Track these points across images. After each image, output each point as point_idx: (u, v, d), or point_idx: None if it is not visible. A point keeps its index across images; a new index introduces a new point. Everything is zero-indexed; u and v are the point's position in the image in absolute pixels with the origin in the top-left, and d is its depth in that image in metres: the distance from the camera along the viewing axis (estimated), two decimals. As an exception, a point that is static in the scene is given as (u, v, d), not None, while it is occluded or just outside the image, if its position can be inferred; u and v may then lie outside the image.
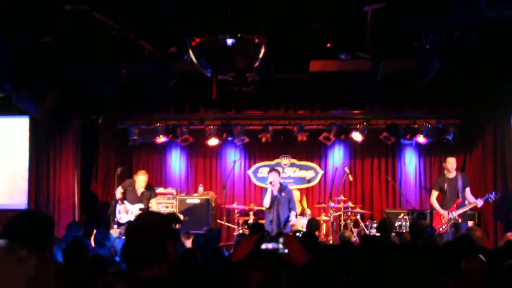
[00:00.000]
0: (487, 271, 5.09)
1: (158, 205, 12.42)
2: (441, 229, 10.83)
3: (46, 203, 12.37)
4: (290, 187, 11.66)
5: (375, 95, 11.37)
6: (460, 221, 10.83)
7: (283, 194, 10.82)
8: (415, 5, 7.68)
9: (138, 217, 3.21)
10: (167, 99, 11.81)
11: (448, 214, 10.84)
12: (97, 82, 9.97)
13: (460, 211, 10.86)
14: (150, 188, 11.56)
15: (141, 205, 11.22)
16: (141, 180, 11.34)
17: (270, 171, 11.12)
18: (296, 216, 11.04)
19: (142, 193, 11.34)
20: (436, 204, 11.07)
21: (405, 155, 13.45)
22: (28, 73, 9.85)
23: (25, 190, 12.41)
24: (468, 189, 11.07)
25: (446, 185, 10.99)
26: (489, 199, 10.94)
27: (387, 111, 11.91)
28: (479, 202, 10.94)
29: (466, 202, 10.96)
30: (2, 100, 10.81)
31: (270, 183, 10.82)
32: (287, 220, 10.68)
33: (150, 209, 11.28)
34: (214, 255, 6.37)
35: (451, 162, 11.07)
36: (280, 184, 11.01)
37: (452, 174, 11.10)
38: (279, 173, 11.08)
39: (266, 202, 10.89)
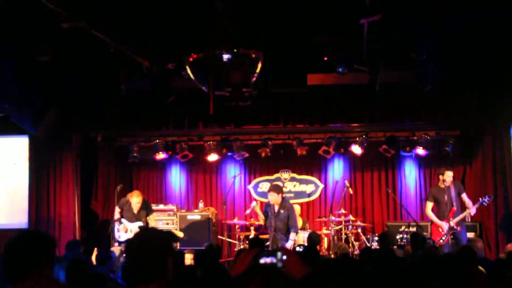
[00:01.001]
0: (489, 283, 5.08)
1: (158, 222, 12.40)
2: (441, 240, 10.75)
3: (46, 221, 12.34)
4: (290, 202, 11.48)
5: (373, 107, 11.37)
6: (458, 229, 10.74)
7: (282, 211, 10.62)
8: (411, 15, 7.71)
9: (138, 235, 3.20)
10: (166, 115, 11.82)
11: (446, 224, 10.77)
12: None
13: (457, 219, 10.79)
14: (146, 206, 11.51)
15: (140, 223, 11.17)
16: (135, 201, 11.27)
17: (269, 190, 10.91)
18: (296, 233, 10.86)
19: (139, 211, 11.30)
20: (432, 216, 10.99)
21: (405, 167, 13.42)
22: (28, 93, 9.88)
23: (25, 209, 12.38)
24: (464, 195, 11.00)
25: (440, 196, 10.92)
26: (484, 203, 10.87)
27: (386, 123, 11.91)
28: (472, 210, 10.89)
29: (461, 210, 10.93)
30: (1, 119, 10.82)
31: (255, 206, 10.93)
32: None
33: (149, 226, 11.27)
34: (215, 271, 6.35)
35: (449, 176, 10.98)
36: (282, 200, 10.76)
37: (446, 184, 11.02)
38: (278, 191, 10.74)
39: (261, 220, 10.95)
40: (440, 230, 10.76)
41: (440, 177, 11.05)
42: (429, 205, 11.12)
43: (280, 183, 12.17)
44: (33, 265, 3.28)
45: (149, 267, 2.97)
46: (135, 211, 11.28)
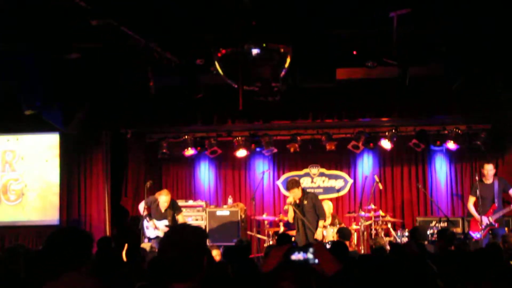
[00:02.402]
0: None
1: (188, 218, 12.43)
2: (478, 235, 10.67)
3: (77, 218, 12.50)
4: (319, 197, 11.46)
5: (403, 101, 11.25)
6: (496, 226, 10.68)
7: (305, 202, 10.62)
8: (441, 9, 7.61)
9: (175, 231, 3.16)
10: (195, 111, 11.84)
11: (485, 219, 10.69)
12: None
13: (497, 215, 10.72)
14: (173, 205, 11.53)
15: (166, 222, 11.21)
16: (163, 200, 11.29)
17: (288, 189, 10.82)
18: (325, 220, 10.84)
19: (166, 210, 11.35)
20: (473, 210, 10.93)
21: (435, 162, 13.28)
22: (58, 90, 9.98)
23: (56, 205, 12.55)
24: (511, 191, 10.92)
25: (483, 191, 10.86)
26: None
27: (415, 117, 11.80)
28: None
29: (502, 207, 10.83)
30: (33, 117, 10.94)
31: (290, 203, 10.69)
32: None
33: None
34: (245, 267, 6.34)
35: (488, 169, 10.92)
36: (303, 192, 10.76)
37: (489, 180, 10.97)
38: (297, 185, 10.67)
39: (290, 216, 10.88)
40: (479, 224, 10.68)
41: (481, 170, 11.02)
42: (471, 199, 11.09)
43: (308, 178, 12.06)
44: (72, 261, 3.31)
45: (186, 265, 2.93)
46: (163, 210, 11.32)
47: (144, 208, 11.39)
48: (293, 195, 10.62)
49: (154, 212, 11.35)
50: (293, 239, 10.58)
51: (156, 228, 11.21)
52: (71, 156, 12.66)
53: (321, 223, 10.62)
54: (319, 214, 10.66)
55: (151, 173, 13.51)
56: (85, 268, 3.41)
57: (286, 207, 11.18)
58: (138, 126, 12.48)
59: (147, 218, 11.30)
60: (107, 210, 12.42)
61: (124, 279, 5.48)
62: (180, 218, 11.48)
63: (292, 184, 10.72)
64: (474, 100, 11.09)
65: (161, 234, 11.12)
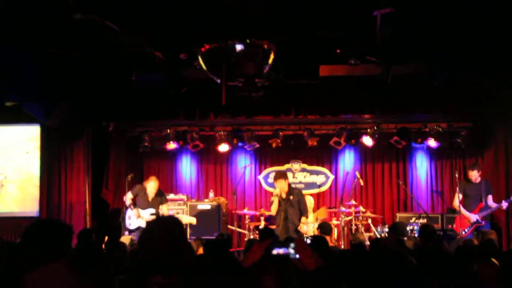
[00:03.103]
0: (501, 274, 5.06)
1: (169, 211, 12.43)
2: (463, 232, 10.86)
3: (57, 210, 12.45)
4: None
5: (385, 99, 11.35)
6: (483, 223, 10.93)
7: (291, 197, 10.75)
8: (423, 9, 7.66)
9: (157, 223, 3.12)
10: (178, 105, 11.84)
11: (473, 216, 10.92)
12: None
13: (484, 213, 10.98)
14: (160, 194, 11.62)
15: (152, 210, 11.26)
16: (151, 186, 11.39)
17: (275, 179, 11.01)
18: (307, 217, 10.98)
19: (153, 199, 11.39)
20: (461, 207, 11.09)
21: (416, 159, 13.38)
22: (40, 82, 9.91)
23: (36, 197, 12.48)
24: (490, 197, 11.19)
25: (469, 190, 11.09)
26: None
27: (397, 115, 11.90)
28: (504, 204, 11.03)
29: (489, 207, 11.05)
30: (14, 108, 10.88)
31: (277, 195, 10.80)
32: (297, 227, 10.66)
33: (161, 215, 11.33)
34: (226, 260, 6.36)
35: (474, 175, 11.23)
36: (289, 186, 10.91)
37: (476, 181, 11.19)
38: (285, 177, 10.91)
39: (273, 209, 10.94)
40: (467, 220, 10.88)
41: (468, 173, 11.31)
42: (457, 197, 11.26)
43: (290, 173, 12.09)
44: (50, 252, 3.29)
45: (169, 259, 2.92)
46: (150, 198, 11.36)
47: (130, 198, 11.40)
48: (279, 186, 10.74)
49: (141, 202, 11.37)
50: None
51: (139, 217, 11.21)
52: (52, 148, 12.59)
53: (303, 219, 10.77)
54: (302, 210, 10.80)
55: (132, 166, 13.48)
56: (64, 261, 3.38)
57: (272, 199, 11.23)
58: (120, 119, 12.43)
59: (131, 207, 11.29)
60: (88, 203, 12.38)
61: (104, 272, 5.47)
62: (164, 208, 11.50)
63: (280, 175, 10.96)
64: (455, 99, 11.22)
65: (143, 225, 11.12)
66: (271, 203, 11.24)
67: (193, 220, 12.07)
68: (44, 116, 10.98)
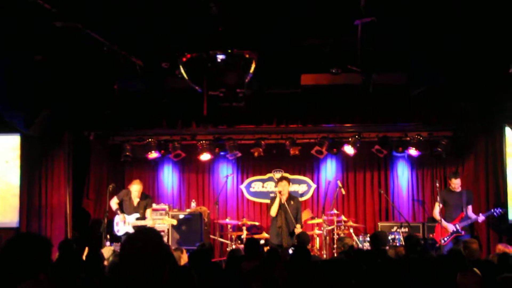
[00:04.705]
0: (483, 284, 5.09)
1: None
2: (443, 241, 10.90)
3: (38, 220, 12.29)
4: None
5: (366, 108, 11.41)
6: (462, 233, 10.93)
7: (291, 202, 11.06)
8: (404, 19, 7.72)
9: (135, 238, 3.08)
10: (159, 114, 11.81)
11: (451, 227, 10.94)
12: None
13: (464, 223, 11.01)
14: (145, 197, 11.67)
15: (137, 215, 11.31)
16: (135, 189, 11.44)
17: (280, 180, 11.34)
18: (301, 226, 11.12)
19: (138, 203, 11.42)
20: (439, 217, 11.13)
21: (397, 168, 13.44)
22: (20, 91, 9.83)
23: (16, 207, 12.33)
24: (470, 207, 11.23)
25: (450, 199, 11.12)
26: (494, 213, 11.07)
27: (379, 124, 11.94)
28: (480, 218, 11.09)
29: (469, 217, 11.09)
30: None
31: (280, 192, 11.02)
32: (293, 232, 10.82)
33: (146, 218, 11.42)
34: (208, 270, 6.34)
35: (456, 183, 11.24)
36: (289, 193, 11.22)
37: (457, 190, 11.22)
38: (289, 182, 11.28)
39: (273, 210, 11.06)
40: (446, 230, 10.92)
41: (449, 181, 11.31)
42: (438, 206, 11.28)
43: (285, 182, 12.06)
44: (29, 269, 3.23)
45: (148, 273, 2.89)
46: (135, 202, 11.39)
47: (116, 202, 11.38)
48: (281, 188, 11.05)
49: (126, 207, 11.42)
50: (261, 241, 11.01)
51: (125, 223, 11.22)
52: (32, 158, 12.45)
53: (298, 226, 10.94)
54: (298, 218, 11.05)
55: (113, 175, 13.40)
56: (44, 275, 3.32)
57: (276, 192, 11.36)
58: (101, 128, 12.37)
59: (118, 212, 11.32)
60: (69, 213, 12.25)
61: (86, 284, 5.41)
62: (148, 213, 11.50)
63: (284, 178, 11.45)
64: (436, 108, 11.30)
65: (130, 230, 11.12)
66: (272, 199, 11.37)
67: (174, 221, 12.06)
68: (25, 125, 10.88)
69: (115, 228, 11.42)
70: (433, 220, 11.69)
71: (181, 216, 12.75)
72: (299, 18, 7.71)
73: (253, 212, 13.74)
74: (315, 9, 7.50)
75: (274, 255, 7.42)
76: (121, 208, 11.48)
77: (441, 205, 11.17)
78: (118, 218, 11.43)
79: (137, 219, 11.32)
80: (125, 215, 11.36)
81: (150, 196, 12.07)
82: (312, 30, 8.23)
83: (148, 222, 11.36)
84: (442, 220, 11.02)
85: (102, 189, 12.89)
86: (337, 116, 11.74)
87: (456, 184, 11.23)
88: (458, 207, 11.12)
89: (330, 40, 8.69)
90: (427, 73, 9.04)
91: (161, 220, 12.20)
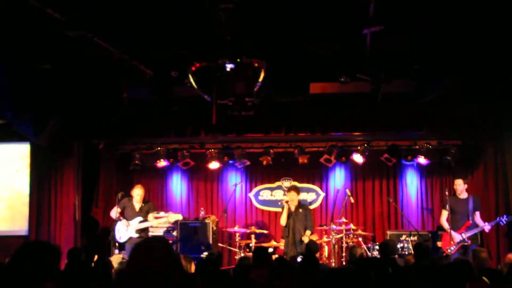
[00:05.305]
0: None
1: (160, 229, 12.38)
2: (449, 250, 10.79)
3: (47, 228, 12.36)
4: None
5: (375, 116, 11.37)
6: (469, 243, 10.79)
7: (300, 210, 11.32)
8: (413, 27, 7.72)
9: (145, 246, 3.09)
10: (168, 123, 11.84)
11: (458, 236, 10.82)
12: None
13: (470, 233, 10.86)
14: (146, 202, 11.75)
15: (140, 218, 11.34)
16: (137, 193, 11.49)
17: (288, 190, 11.66)
18: (312, 233, 11.36)
19: (141, 208, 11.47)
20: (446, 225, 11.05)
21: (406, 176, 13.40)
22: (29, 100, 9.89)
23: (26, 216, 12.39)
24: (478, 213, 11.11)
25: (456, 206, 11.00)
26: (501, 222, 10.91)
27: (387, 132, 11.92)
28: (487, 227, 10.97)
29: (476, 225, 10.97)
30: (3, 126, 10.83)
31: (287, 202, 11.35)
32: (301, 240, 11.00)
33: (148, 223, 11.47)
34: (217, 279, 6.33)
35: (458, 184, 11.13)
36: (299, 201, 11.49)
37: (463, 195, 11.15)
38: (297, 191, 11.55)
39: (283, 220, 11.40)
40: (451, 239, 10.79)
41: (454, 186, 11.23)
42: (444, 214, 11.23)
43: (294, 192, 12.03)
44: (40, 275, 3.24)
45: (157, 281, 2.91)
46: (137, 208, 11.39)
47: (117, 211, 11.39)
48: (290, 198, 11.40)
49: (129, 213, 11.43)
50: (270, 250, 10.92)
51: (129, 226, 11.22)
52: (42, 166, 12.52)
53: (308, 232, 11.19)
54: (308, 225, 11.34)
55: (123, 184, 13.43)
56: (51, 284, 3.33)
57: (283, 202, 11.67)
58: (110, 137, 12.42)
59: (120, 218, 11.31)
60: (78, 221, 12.30)
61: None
62: (150, 217, 11.50)
63: (293, 187, 11.79)
64: (445, 116, 11.26)
65: (134, 235, 11.12)
66: (282, 207, 11.63)
67: (179, 216, 12.09)
68: (34, 134, 10.94)
69: (117, 236, 11.40)
70: (442, 228, 11.62)
71: (190, 225, 12.74)
72: (309, 25, 7.71)
73: (261, 220, 13.72)
74: (324, 17, 7.51)
75: (282, 263, 7.42)
76: (123, 216, 11.47)
77: (447, 212, 11.05)
78: (119, 225, 11.40)
79: (140, 222, 11.38)
80: (128, 221, 11.37)
81: (151, 202, 12.11)
82: (321, 38, 8.23)
83: (151, 223, 11.44)
84: (448, 228, 10.92)
85: (111, 197, 12.90)
86: (345, 125, 11.72)
87: (457, 185, 11.11)
88: (464, 215, 10.99)
89: (339, 48, 8.69)
90: (436, 79, 9.01)
91: (166, 218, 12.19)
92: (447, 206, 10.99)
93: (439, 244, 11.42)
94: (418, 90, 9.95)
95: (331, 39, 8.33)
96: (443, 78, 9.03)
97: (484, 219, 11.25)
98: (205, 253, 10.93)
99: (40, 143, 11.50)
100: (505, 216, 10.97)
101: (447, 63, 8.79)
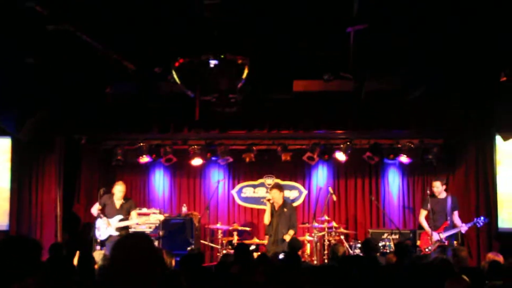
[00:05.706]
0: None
1: (142, 225, 12.31)
2: (427, 249, 10.83)
3: (28, 223, 12.28)
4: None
5: (358, 115, 11.40)
6: (446, 243, 10.82)
7: (285, 210, 11.12)
8: (397, 26, 7.75)
9: (126, 242, 3.08)
10: (151, 119, 11.80)
11: (436, 235, 10.85)
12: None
13: (448, 233, 10.91)
14: (128, 199, 11.50)
15: (120, 216, 11.09)
16: (118, 190, 11.20)
17: (271, 188, 11.51)
18: (295, 232, 11.12)
19: (121, 205, 11.22)
20: (425, 224, 11.10)
21: (388, 175, 13.46)
22: (11, 95, 9.80)
23: (6, 210, 12.28)
24: (456, 213, 11.16)
25: (435, 206, 11.04)
26: (477, 224, 10.98)
27: (370, 131, 11.97)
28: (464, 228, 11.02)
29: (454, 225, 11.03)
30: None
31: (268, 200, 11.22)
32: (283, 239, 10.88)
33: (130, 220, 11.23)
34: (198, 275, 6.33)
35: (436, 186, 11.18)
36: (284, 200, 11.30)
37: (442, 195, 11.18)
38: (280, 189, 11.31)
39: (266, 218, 11.24)
40: (429, 238, 10.82)
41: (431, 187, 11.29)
42: (423, 212, 11.28)
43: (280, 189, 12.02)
44: (21, 271, 3.21)
45: (139, 277, 2.89)
46: (118, 205, 11.17)
47: (98, 208, 11.21)
48: (272, 196, 11.20)
49: (109, 210, 11.17)
50: (252, 247, 11.13)
51: (109, 225, 11.04)
52: (23, 161, 12.42)
53: (291, 232, 10.98)
54: (292, 225, 11.11)
55: (105, 180, 13.33)
56: (32, 280, 3.29)
57: (263, 201, 11.69)
58: (92, 132, 12.34)
59: (100, 216, 11.11)
60: (59, 217, 12.22)
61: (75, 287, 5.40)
62: (133, 215, 11.33)
63: (276, 185, 11.59)
64: (428, 116, 11.32)
65: (114, 233, 10.98)
66: (265, 204, 11.48)
67: (161, 217, 12.00)
68: (15, 129, 10.85)
69: (96, 233, 11.15)
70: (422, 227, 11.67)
71: (172, 221, 12.71)
72: (292, 23, 7.72)
73: (244, 218, 13.72)
74: (308, 15, 7.52)
75: (262, 260, 7.41)
76: (104, 213, 11.28)
77: (426, 211, 11.10)
78: (99, 223, 11.17)
79: (120, 220, 11.11)
80: (108, 219, 11.17)
81: (133, 201, 11.81)
82: (304, 36, 8.24)
83: (133, 222, 11.29)
84: (427, 227, 10.98)
85: (93, 193, 12.79)
86: (328, 123, 11.75)
87: (435, 187, 11.15)
88: (442, 215, 11.02)
89: (322, 46, 8.70)
90: (424, 76, 9.07)
91: (147, 217, 12.08)
92: (428, 205, 11.04)
93: (418, 243, 11.48)
94: (402, 88, 9.99)
95: (316, 36, 8.35)
96: (426, 77, 9.07)
97: (464, 218, 11.32)
98: (187, 249, 10.94)
99: (21, 138, 11.41)
100: (482, 217, 11.04)
101: (430, 62, 8.83)
